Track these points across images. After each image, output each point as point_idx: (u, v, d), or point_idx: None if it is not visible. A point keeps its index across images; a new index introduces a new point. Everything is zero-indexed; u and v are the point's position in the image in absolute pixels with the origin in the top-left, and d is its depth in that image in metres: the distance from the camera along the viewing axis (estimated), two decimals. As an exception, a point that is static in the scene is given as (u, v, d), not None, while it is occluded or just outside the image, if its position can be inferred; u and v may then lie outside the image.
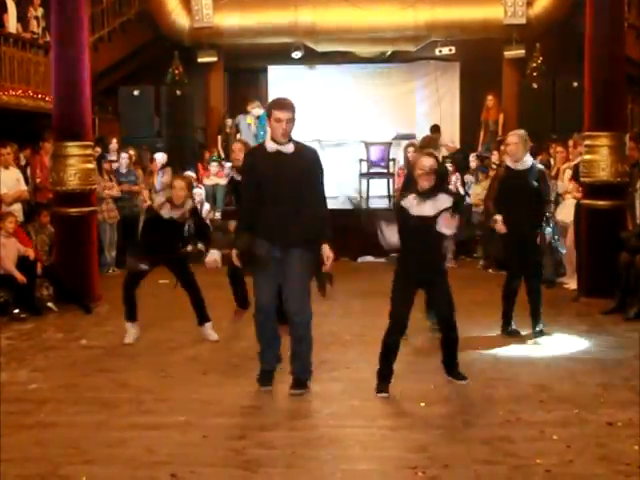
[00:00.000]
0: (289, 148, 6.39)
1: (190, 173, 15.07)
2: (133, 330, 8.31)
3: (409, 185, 7.26)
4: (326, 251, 6.37)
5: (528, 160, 8.30)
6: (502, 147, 14.45)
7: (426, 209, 6.48)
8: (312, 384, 6.65)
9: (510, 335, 8.33)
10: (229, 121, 17.16)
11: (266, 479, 4.86)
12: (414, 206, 6.49)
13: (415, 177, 6.60)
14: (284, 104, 6.38)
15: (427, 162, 6.50)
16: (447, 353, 6.72)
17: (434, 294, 6.88)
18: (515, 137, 8.42)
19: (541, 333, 8.29)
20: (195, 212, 8.79)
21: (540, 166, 8.72)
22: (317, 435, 5.64)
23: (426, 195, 6.48)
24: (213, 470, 4.99)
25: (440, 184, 6.67)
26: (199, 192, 14.81)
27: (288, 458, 5.17)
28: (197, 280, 8.43)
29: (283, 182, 6.37)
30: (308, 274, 6.55)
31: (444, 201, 6.52)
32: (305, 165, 6.46)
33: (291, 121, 6.32)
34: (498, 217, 8.25)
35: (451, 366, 6.71)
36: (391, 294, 6.62)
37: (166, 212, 8.26)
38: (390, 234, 6.68)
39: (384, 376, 6.53)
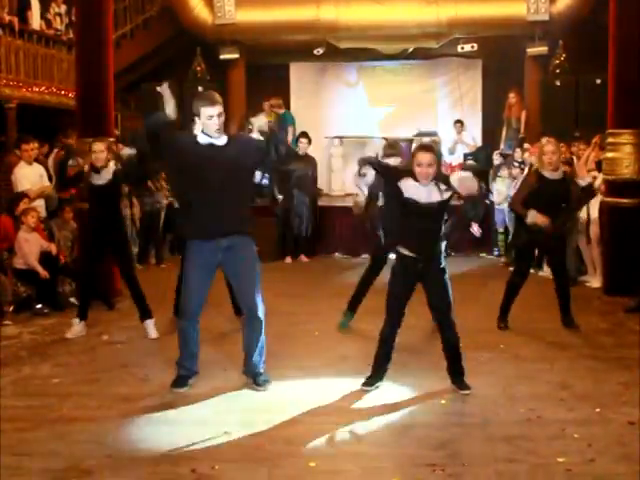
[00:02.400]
0: (222, 140, 6.38)
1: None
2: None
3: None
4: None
5: (561, 169, 8.19)
6: (526, 145, 14.49)
7: (426, 195, 6.39)
8: (329, 379, 6.69)
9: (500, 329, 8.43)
10: (251, 121, 17.16)
11: (284, 474, 4.88)
12: (413, 191, 6.38)
13: (414, 171, 6.39)
14: (213, 99, 6.36)
15: (425, 159, 6.33)
16: (448, 358, 6.55)
17: (431, 289, 6.58)
18: (552, 145, 8.23)
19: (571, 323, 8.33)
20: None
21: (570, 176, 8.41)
22: (334, 431, 5.66)
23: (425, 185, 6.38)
24: (234, 466, 5.01)
25: (439, 175, 6.52)
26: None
27: (307, 453, 5.19)
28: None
29: (215, 172, 6.28)
30: (255, 265, 6.58)
31: (444, 190, 6.44)
32: (237, 155, 6.38)
33: (222, 114, 6.32)
34: (533, 212, 8.09)
35: (454, 374, 6.54)
36: (388, 287, 6.59)
37: (94, 180, 8.39)
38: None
39: (376, 370, 6.55)
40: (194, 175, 6.31)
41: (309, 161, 14.49)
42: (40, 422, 5.87)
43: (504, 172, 13.59)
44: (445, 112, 18.34)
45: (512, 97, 16.76)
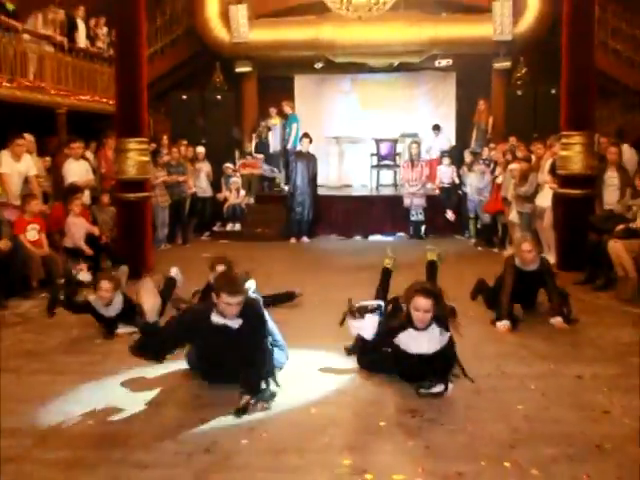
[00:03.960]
0: (235, 323, 5.36)
1: (229, 164, 15.14)
2: None
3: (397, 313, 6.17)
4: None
5: (537, 260, 7.58)
6: (491, 145, 14.49)
7: (423, 346, 5.47)
8: (327, 340, 6.71)
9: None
10: (262, 123, 17.18)
11: (289, 419, 4.91)
12: (409, 342, 5.50)
13: (410, 312, 5.51)
14: (235, 289, 5.29)
15: (423, 305, 5.42)
16: None
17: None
18: (529, 245, 7.51)
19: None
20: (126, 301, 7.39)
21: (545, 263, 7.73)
22: (331, 384, 5.69)
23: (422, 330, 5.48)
24: (250, 414, 5.03)
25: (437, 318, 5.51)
26: (237, 180, 14.89)
27: (308, 402, 5.21)
28: None
29: (226, 352, 5.41)
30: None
31: (437, 338, 5.47)
32: (248, 334, 5.40)
33: (240, 304, 5.28)
34: (504, 325, 7.25)
35: None
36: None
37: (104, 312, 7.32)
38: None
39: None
40: (206, 350, 5.56)
41: (310, 157, 14.50)
42: (87, 375, 5.90)
43: (475, 167, 13.59)
44: (425, 116, 18.30)
45: (481, 104, 16.75)
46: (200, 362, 5.69)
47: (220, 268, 6.95)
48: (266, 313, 5.94)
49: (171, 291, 7.89)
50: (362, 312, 6.16)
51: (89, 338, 7.07)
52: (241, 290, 5.36)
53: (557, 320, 7.35)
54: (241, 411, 4.99)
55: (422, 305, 5.43)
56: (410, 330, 5.51)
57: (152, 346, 5.42)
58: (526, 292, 7.67)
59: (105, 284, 7.21)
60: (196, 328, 5.42)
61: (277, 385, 5.46)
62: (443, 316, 5.53)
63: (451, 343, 5.55)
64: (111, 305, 7.25)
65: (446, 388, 5.36)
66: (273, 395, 5.28)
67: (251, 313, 5.44)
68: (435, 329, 5.49)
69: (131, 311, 7.25)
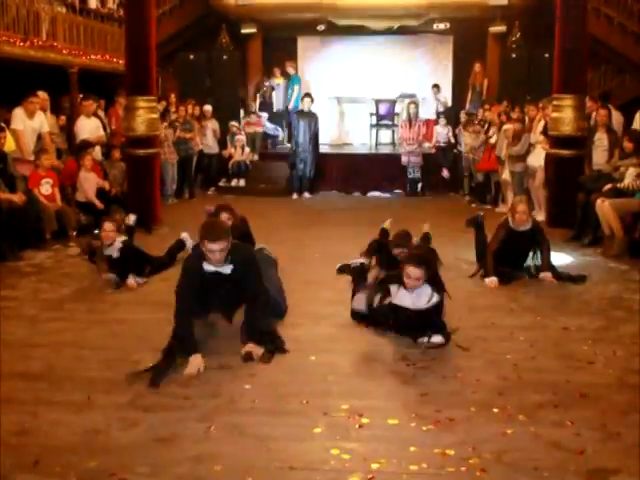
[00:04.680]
0: (226, 269, 5.23)
1: (234, 123, 15.05)
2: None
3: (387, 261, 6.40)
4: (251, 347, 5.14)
5: (530, 221, 7.47)
6: (486, 106, 14.42)
7: (415, 301, 5.48)
8: (327, 291, 6.72)
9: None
10: (266, 83, 17.07)
11: (290, 364, 4.94)
12: (403, 298, 5.50)
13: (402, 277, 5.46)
14: (215, 235, 5.08)
15: (414, 273, 5.39)
16: None
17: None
18: (524, 205, 7.39)
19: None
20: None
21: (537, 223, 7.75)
22: (330, 332, 5.72)
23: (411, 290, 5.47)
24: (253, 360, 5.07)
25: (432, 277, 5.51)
26: (241, 138, 14.82)
27: (308, 349, 5.26)
28: None
29: (218, 296, 5.42)
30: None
31: (428, 296, 5.44)
32: (240, 278, 5.28)
33: (224, 248, 5.10)
34: (492, 282, 7.23)
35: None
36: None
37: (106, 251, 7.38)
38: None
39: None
40: (199, 296, 5.30)
41: (312, 116, 14.40)
42: (97, 322, 5.94)
43: (470, 128, 13.52)
44: (423, 78, 18.13)
45: (477, 67, 16.61)
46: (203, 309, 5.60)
47: (224, 216, 6.87)
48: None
49: (178, 252, 8.00)
50: (343, 270, 6.74)
51: (100, 288, 7.09)
52: (222, 236, 5.09)
53: (546, 275, 7.35)
54: (243, 359, 5.03)
55: (414, 274, 5.40)
56: (402, 289, 5.51)
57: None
58: (518, 251, 7.59)
59: (108, 225, 7.32)
60: (195, 276, 5.24)
61: (279, 340, 5.37)
62: (436, 280, 5.54)
63: (441, 303, 5.55)
64: (112, 245, 7.29)
65: (447, 340, 5.37)
66: (276, 348, 5.21)
67: (241, 258, 5.28)
68: (427, 288, 5.48)
69: (139, 260, 7.45)
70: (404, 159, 14.42)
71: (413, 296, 5.47)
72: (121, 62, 12.63)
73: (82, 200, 10.03)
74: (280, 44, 18.27)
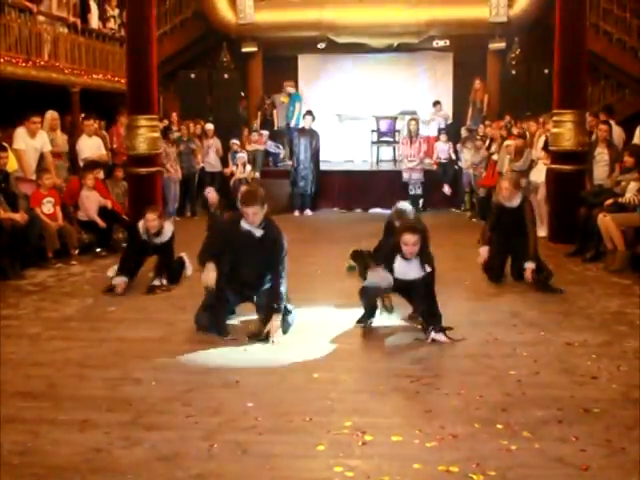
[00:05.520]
0: (258, 232, 6.02)
1: (235, 141, 15.07)
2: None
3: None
4: (273, 322, 5.89)
5: (518, 198, 7.78)
6: (487, 122, 14.46)
7: (410, 273, 6.11)
8: (328, 308, 6.71)
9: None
10: (267, 101, 17.12)
11: (293, 383, 4.93)
12: (402, 270, 6.13)
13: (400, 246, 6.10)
14: (249, 201, 5.97)
15: (410, 239, 6.02)
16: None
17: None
18: (507, 182, 7.85)
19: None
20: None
21: (527, 200, 8.07)
22: (333, 350, 5.70)
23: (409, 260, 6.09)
24: (253, 376, 5.05)
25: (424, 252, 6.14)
26: (242, 156, 14.82)
27: (311, 366, 5.24)
28: None
29: (249, 257, 6.08)
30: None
31: (419, 267, 6.08)
32: (267, 248, 6.03)
33: (257, 212, 5.96)
34: (484, 249, 7.95)
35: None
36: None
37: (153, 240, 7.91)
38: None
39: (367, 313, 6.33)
40: (234, 254, 6.12)
41: (313, 134, 14.44)
42: (100, 341, 5.91)
43: (470, 144, 13.54)
44: (423, 95, 18.19)
45: (477, 83, 16.64)
46: (228, 275, 6.13)
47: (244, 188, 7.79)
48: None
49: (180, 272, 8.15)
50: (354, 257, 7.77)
51: (103, 306, 7.08)
52: (254, 202, 5.92)
53: (529, 265, 7.50)
54: (253, 337, 5.77)
55: (410, 240, 5.99)
56: (400, 259, 6.08)
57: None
58: (511, 228, 7.81)
59: (151, 215, 7.77)
60: (229, 232, 6.16)
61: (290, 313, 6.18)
62: (425, 253, 6.14)
63: (432, 276, 6.09)
64: (162, 233, 7.84)
65: (442, 330, 5.83)
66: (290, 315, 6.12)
67: (271, 231, 6.07)
68: (417, 260, 6.06)
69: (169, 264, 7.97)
70: (405, 176, 14.42)
71: (409, 266, 6.07)
72: (122, 81, 12.67)
73: (84, 219, 10.03)
74: (281, 62, 18.33)
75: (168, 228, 7.98)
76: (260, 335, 5.86)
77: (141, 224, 7.86)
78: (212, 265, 6.02)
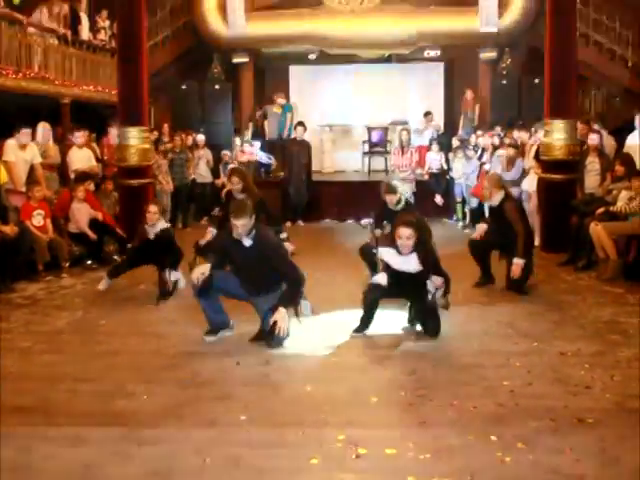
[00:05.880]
0: (247, 242, 6.17)
1: (226, 152, 15.05)
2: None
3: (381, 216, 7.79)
4: (280, 313, 5.92)
5: (498, 197, 7.99)
6: (479, 132, 14.49)
7: (405, 266, 6.30)
8: (321, 319, 6.72)
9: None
10: (258, 113, 17.13)
11: (285, 396, 4.90)
12: (394, 261, 6.34)
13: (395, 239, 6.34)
14: (237, 213, 6.09)
15: (404, 233, 6.25)
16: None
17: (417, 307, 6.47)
18: (486, 181, 8.29)
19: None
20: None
21: (510, 199, 8.16)
22: (326, 361, 5.69)
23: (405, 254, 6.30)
24: (246, 389, 5.03)
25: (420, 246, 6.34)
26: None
27: (304, 379, 5.23)
28: None
29: (244, 266, 6.26)
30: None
31: (416, 261, 6.27)
32: (258, 254, 6.17)
33: (245, 224, 6.07)
34: (480, 227, 8.24)
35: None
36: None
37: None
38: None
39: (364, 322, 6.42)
40: (235, 261, 6.38)
41: (304, 145, 14.44)
42: (91, 354, 5.89)
43: (460, 154, 13.57)
44: (414, 105, 18.20)
45: (468, 93, 16.67)
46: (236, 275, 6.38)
47: (235, 180, 8.44)
48: None
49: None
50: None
51: (94, 319, 7.06)
52: (242, 215, 6.05)
53: (517, 262, 7.68)
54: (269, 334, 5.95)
55: (404, 233, 6.22)
56: (396, 254, 6.31)
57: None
58: (494, 224, 8.06)
59: (153, 207, 8.11)
60: (226, 243, 6.33)
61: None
62: (425, 248, 6.38)
63: (428, 265, 6.32)
64: (154, 225, 8.08)
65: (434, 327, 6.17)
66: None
67: (260, 239, 6.19)
68: (414, 255, 6.25)
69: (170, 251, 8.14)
70: (397, 186, 14.42)
71: (406, 260, 6.24)
72: (113, 93, 12.67)
73: (75, 231, 9.99)
74: (272, 73, 18.36)
75: (160, 224, 8.20)
76: (266, 333, 6.05)
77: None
78: (207, 266, 6.25)
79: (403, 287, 6.34)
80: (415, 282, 6.30)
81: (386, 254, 6.43)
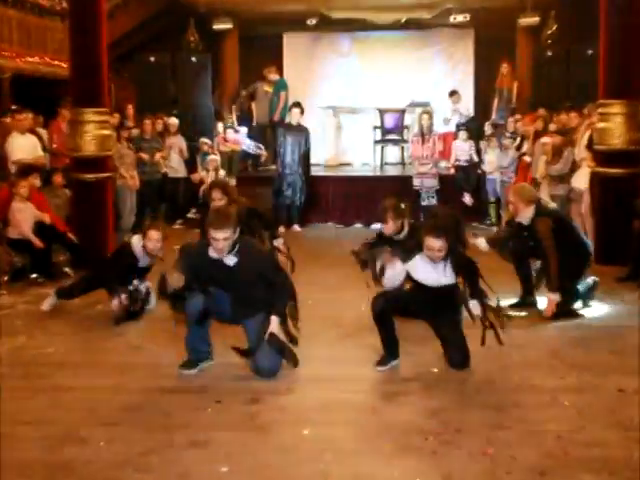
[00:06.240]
0: (230, 260, 6.07)
1: (206, 140, 15.06)
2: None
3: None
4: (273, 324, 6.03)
5: (528, 214, 7.94)
6: (517, 116, 14.48)
7: (436, 277, 6.30)
8: (322, 348, 6.72)
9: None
10: (243, 92, 17.16)
11: (278, 442, 4.89)
12: (424, 269, 6.33)
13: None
14: (219, 224, 5.97)
15: (436, 244, 6.15)
16: None
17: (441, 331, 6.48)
18: (511, 195, 8.25)
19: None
20: None
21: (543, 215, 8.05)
22: (327, 398, 5.67)
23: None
24: (228, 434, 5.02)
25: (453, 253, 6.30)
26: (215, 158, 14.80)
27: (300, 421, 5.20)
28: None
29: (223, 283, 6.18)
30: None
31: (448, 272, 6.28)
32: (246, 273, 6.11)
33: (228, 238, 5.96)
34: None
35: None
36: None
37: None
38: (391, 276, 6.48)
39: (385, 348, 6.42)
40: (213, 284, 6.22)
41: (302, 131, 14.45)
42: (36, 391, 5.88)
43: (494, 142, 13.58)
44: (438, 82, 18.28)
45: (504, 67, 16.73)
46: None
47: (216, 195, 8.09)
48: None
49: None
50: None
51: (39, 347, 7.04)
52: (227, 225, 5.94)
53: (550, 296, 7.70)
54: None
55: (434, 245, 6.12)
56: (421, 259, 6.28)
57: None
58: (525, 247, 8.09)
59: (155, 233, 7.99)
60: (198, 264, 6.16)
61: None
62: (458, 253, 6.32)
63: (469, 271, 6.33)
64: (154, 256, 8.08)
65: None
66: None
67: (246, 254, 6.10)
68: (447, 264, 6.22)
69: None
70: (416, 182, 14.43)
71: (434, 268, 6.24)
72: (65, 65, 12.68)
73: (15, 237, 9.97)
74: (261, 43, 18.40)
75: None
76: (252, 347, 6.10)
77: (137, 242, 8.01)
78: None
79: (425, 305, 6.34)
80: (442, 299, 6.31)
81: (412, 262, 6.35)
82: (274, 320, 6.00)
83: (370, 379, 6.13)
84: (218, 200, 8.16)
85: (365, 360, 6.45)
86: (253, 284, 6.12)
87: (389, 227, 7.47)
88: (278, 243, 8.31)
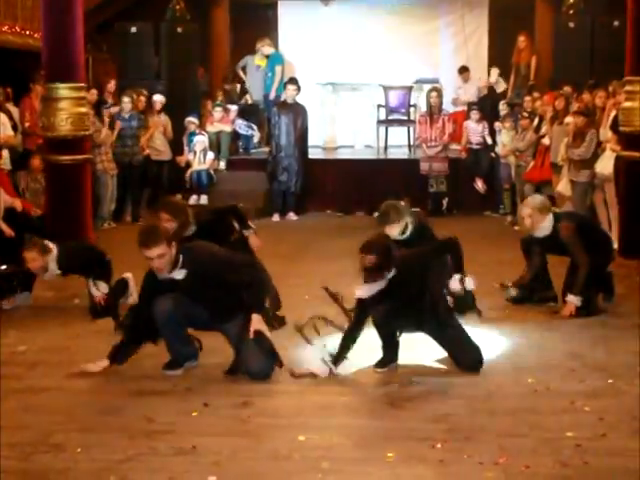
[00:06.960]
0: (178, 275, 6.16)
1: (193, 119, 15.05)
2: None
3: None
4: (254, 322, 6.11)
5: (546, 224, 7.96)
6: (535, 94, 14.46)
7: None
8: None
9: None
10: (235, 67, 17.16)
11: (271, 449, 4.92)
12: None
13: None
14: (147, 242, 6.02)
15: (365, 261, 6.29)
16: None
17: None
18: (527, 208, 8.18)
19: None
20: None
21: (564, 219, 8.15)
22: (324, 402, 5.71)
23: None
24: (217, 440, 5.05)
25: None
26: (202, 139, 14.79)
27: (296, 426, 5.24)
28: None
29: (194, 302, 6.28)
30: None
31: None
32: (200, 282, 6.20)
33: (164, 253, 6.00)
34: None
35: None
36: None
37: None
38: None
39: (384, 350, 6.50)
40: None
41: (298, 110, 14.45)
42: (7, 393, 5.88)
43: (509, 123, 13.60)
44: (448, 56, 18.25)
45: (521, 40, 16.65)
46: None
47: (164, 217, 7.31)
48: None
49: (119, 297, 8.16)
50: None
51: (9, 345, 7.05)
52: (155, 241, 5.96)
53: (571, 299, 7.72)
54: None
55: (364, 262, 6.26)
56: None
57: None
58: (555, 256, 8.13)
59: (29, 255, 8.01)
60: (154, 289, 6.23)
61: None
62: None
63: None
64: (48, 272, 8.02)
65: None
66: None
67: (194, 260, 6.15)
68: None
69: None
70: (424, 166, 14.45)
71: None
72: (37, 36, 12.67)
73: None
74: (254, 12, 18.36)
75: (52, 266, 8.08)
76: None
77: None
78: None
79: (409, 317, 6.44)
80: (418, 304, 6.40)
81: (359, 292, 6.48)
82: (255, 317, 6.07)
83: (370, 381, 6.15)
84: (166, 221, 7.38)
85: (365, 360, 6.47)
86: (217, 289, 6.21)
87: (393, 230, 7.42)
88: (248, 233, 8.20)
